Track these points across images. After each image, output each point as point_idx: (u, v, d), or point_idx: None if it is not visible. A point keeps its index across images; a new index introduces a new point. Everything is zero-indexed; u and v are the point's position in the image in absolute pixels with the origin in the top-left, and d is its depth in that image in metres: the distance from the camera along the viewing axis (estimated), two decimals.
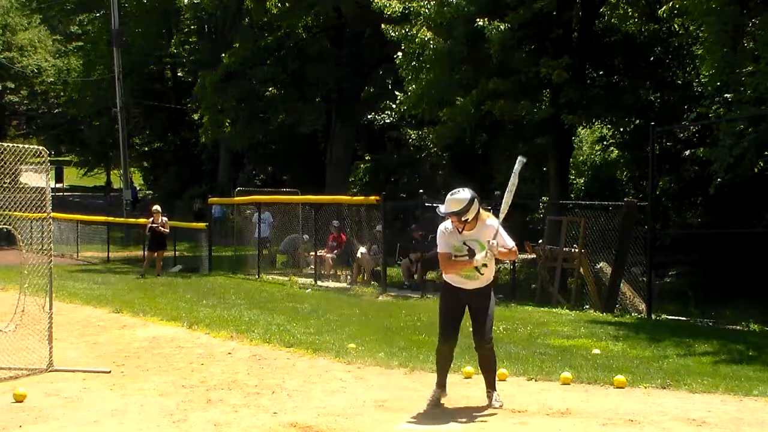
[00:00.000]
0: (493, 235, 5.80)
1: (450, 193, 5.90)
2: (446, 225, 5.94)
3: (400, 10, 17.64)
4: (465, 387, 6.62)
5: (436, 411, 5.94)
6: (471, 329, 6.07)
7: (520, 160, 6.11)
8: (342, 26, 26.93)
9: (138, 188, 47.83)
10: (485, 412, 5.88)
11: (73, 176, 53.16)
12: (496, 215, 6.13)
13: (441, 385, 6.09)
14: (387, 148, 31.18)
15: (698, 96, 16.76)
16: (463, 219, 5.80)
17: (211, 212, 23.42)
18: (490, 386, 6.10)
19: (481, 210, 5.87)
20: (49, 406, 6.11)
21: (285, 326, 9.87)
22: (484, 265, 5.85)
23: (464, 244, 5.86)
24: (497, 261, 6.13)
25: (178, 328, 9.90)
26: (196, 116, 32.05)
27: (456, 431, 5.53)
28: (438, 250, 5.98)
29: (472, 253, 5.83)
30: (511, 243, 5.95)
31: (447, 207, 5.83)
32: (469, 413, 5.89)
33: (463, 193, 5.80)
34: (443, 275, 6.16)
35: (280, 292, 15.17)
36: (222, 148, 34.59)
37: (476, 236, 5.86)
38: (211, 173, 37.94)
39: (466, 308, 6.05)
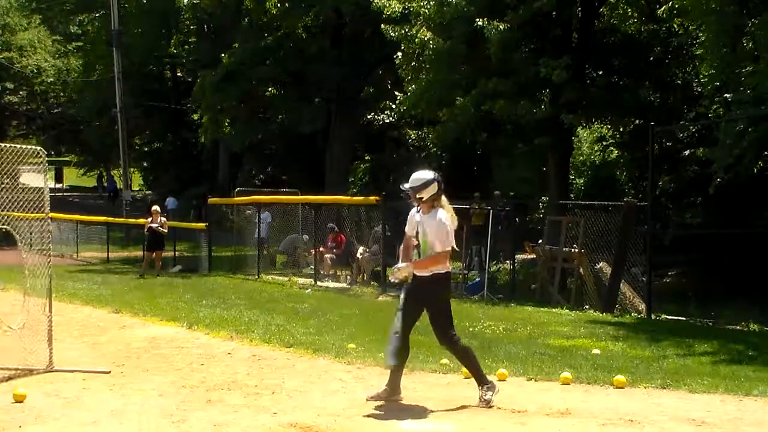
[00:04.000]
0: (426, 229, 5.96)
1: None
2: (415, 208, 6.14)
3: (400, 10, 17.65)
4: (465, 387, 6.61)
5: (418, 407, 6.02)
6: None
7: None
8: (342, 26, 26.90)
9: (138, 188, 47.82)
10: (484, 413, 5.88)
11: (72, 176, 53.14)
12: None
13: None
14: (387, 148, 31.17)
15: (698, 96, 16.79)
16: (417, 196, 6.02)
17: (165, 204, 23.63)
18: (478, 382, 6.11)
19: (442, 199, 6.02)
20: (48, 407, 6.11)
21: (285, 326, 9.87)
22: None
23: (417, 228, 6.06)
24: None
25: (178, 329, 9.89)
26: (195, 116, 32.01)
27: (455, 431, 5.53)
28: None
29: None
30: (438, 246, 5.90)
31: (409, 183, 6.08)
32: (468, 413, 5.89)
33: (426, 174, 6.06)
34: (438, 265, 6.02)
35: (280, 292, 15.17)
36: (221, 148, 34.58)
37: (425, 224, 6.02)
38: (210, 173, 37.92)
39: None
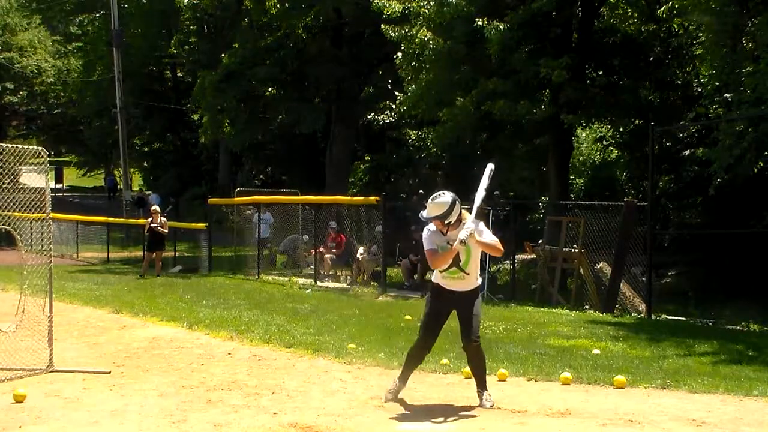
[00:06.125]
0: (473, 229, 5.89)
1: (431, 197, 6.04)
2: (430, 227, 6.07)
3: (400, 10, 17.65)
4: (465, 387, 6.62)
5: (418, 407, 6.02)
6: (459, 330, 6.14)
7: (489, 167, 6.32)
8: (342, 26, 26.91)
9: (138, 188, 47.84)
10: (484, 413, 5.88)
11: (73, 177, 53.15)
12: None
13: (405, 379, 6.28)
14: (387, 148, 31.16)
15: (698, 96, 16.76)
16: (446, 222, 5.94)
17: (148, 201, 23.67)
18: (481, 386, 6.15)
19: (462, 211, 6.00)
20: (48, 407, 6.11)
21: (285, 327, 9.87)
22: (466, 250, 5.93)
23: (448, 243, 5.96)
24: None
25: (178, 329, 9.89)
26: (195, 116, 32.03)
27: (455, 431, 5.53)
28: (425, 248, 6.09)
29: (456, 257, 5.94)
30: (492, 238, 6.06)
31: (429, 212, 5.98)
32: (468, 413, 5.89)
33: (444, 197, 5.95)
34: (432, 278, 6.29)
35: (280, 292, 15.17)
36: (221, 148, 34.63)
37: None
38: (210, 173, 37.95)
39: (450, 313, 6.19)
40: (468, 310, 6.06)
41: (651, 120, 15.18)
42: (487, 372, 6.26)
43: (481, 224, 6.06)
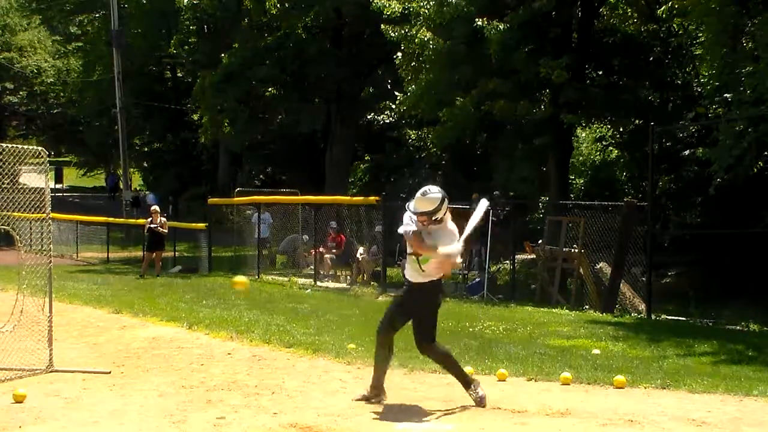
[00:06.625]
0: (449, 239, 5.80)
1: (420, 191, 5.87)
2: (409, 214, 5.90)
3: (400, 10, 17.67)
4: None
5: (418, 407, 6.01)
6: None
7: (483, 202, 6.29)
8: (342, 26, 26.92)
9: (139, 189, 47.86)
10: (484, 413, 5.88)
11: (72, 177, 53.14)
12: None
13: (380, 387, 6.24)
14: (387, 148, 31.16)
15: (698, 96, 16.78)
16: (433, 219, 5.81)
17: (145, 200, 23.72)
18: (466, 386, 6.09)
19: (447, 212, 5.89)
20: (48, 407, 6.10)
21: (285, 327, 9.87)
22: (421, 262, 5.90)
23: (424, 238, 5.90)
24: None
25: (178, 329, 9.88)
26: (195, 116, 32.02)
27: (455, 431, 5.53)
28: (403, 228, 5.91)
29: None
30: (449, 251, 5.81)
31: (418, 206, 5.82)
32: (468, 413, 5.89)
33: (435, 194, 5.81)
34: (435, 272, 6.04)
35: (280, 292, 15.17)
36: (221, 148, 34.63)
37: (434, 236, 5.83)
38: (210, 173, 37.94)
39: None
40: (413, 310, 6.00)
41: (651, 120, 15.18)
42: (463, 367, 6.24)
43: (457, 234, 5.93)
